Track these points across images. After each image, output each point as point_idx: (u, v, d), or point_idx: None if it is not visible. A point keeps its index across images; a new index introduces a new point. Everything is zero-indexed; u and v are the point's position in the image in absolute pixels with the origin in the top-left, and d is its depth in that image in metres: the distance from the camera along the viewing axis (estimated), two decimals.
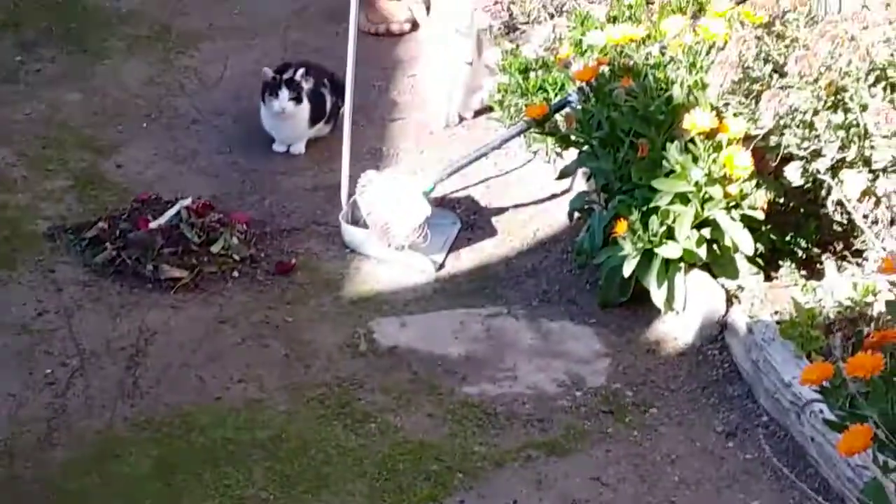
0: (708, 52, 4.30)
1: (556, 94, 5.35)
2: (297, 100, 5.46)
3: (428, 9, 6.27)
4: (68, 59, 6.30)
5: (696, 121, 4.10)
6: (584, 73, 4.55)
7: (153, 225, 4.78)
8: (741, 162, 4.08)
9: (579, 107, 4.68)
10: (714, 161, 4.11)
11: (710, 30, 4.28)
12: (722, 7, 4.36)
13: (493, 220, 5.22)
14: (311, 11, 6.94)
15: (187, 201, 4.91)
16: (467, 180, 5.38)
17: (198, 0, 7.02)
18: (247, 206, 5.21)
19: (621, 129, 4.40)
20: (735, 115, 4.14)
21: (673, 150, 4.21)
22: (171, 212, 4.86)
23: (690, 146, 4.19)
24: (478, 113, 5.97)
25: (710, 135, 4.11)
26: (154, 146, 5.62)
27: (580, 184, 5.10)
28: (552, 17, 6.43)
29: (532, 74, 5.43)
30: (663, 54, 4.47)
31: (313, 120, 5.62)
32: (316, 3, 7.01)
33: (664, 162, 4.25)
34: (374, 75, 6.23)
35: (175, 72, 6.25)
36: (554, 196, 5.32)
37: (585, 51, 5.20)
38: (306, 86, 5.54)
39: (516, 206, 5.30)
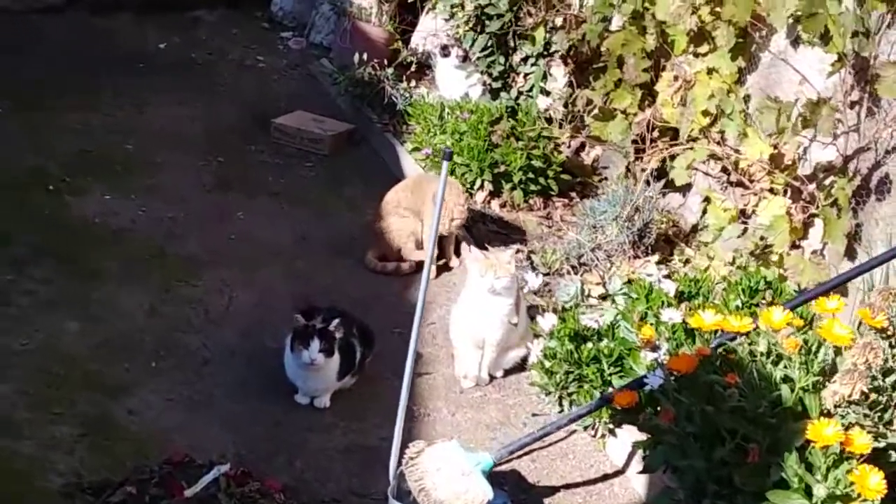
0: (816, 352, 3.98)
1: (608, 367, 5.02)
2: (329, 352, 5.06)
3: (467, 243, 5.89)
4: (62, 280, 5.85)
5: (821, 431, 3.76)
6: (682, 362, 4.21)
7: (189, 493, 4.29)
8: (873, 483, 3.73)
9: (654, 389, 4.31)
10: (838, 479, 3.75)
11: (832, 331, 3.95)
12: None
13: (546, 502, 4.75)
14: (312, 242, 6.59)
15: (225, 467, 4.45)
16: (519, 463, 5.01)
17: (190, 222, 6.60)
18: (277, 469, 4.76)
19: (724, 428, 4.02)
20: (859, 427, 3.80)
21: (792, 461, 3.86)
22: (208, 478, 4.39)
23: (808, 456, 3.84)
24: (507, 372, 5.55)
25: (831, 447, 3.76)
26: (166, 389, 5.15)
27: (636, 464, 4.81)
28: (575, 270, 6.13)
29: (589, 344, 5.05)
30: (771, 351, 4.12)
31: (342, 373, 5.17)
32: (314, 234, 6.69)
33: (777, 471, 3.87)
34: (393, 320, 5.86)
35: (178, 302, 5.81)
36: (606, 477, 4.95)
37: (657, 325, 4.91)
38: (338, 336, 5.04)
39: (567, 487, 4.90)
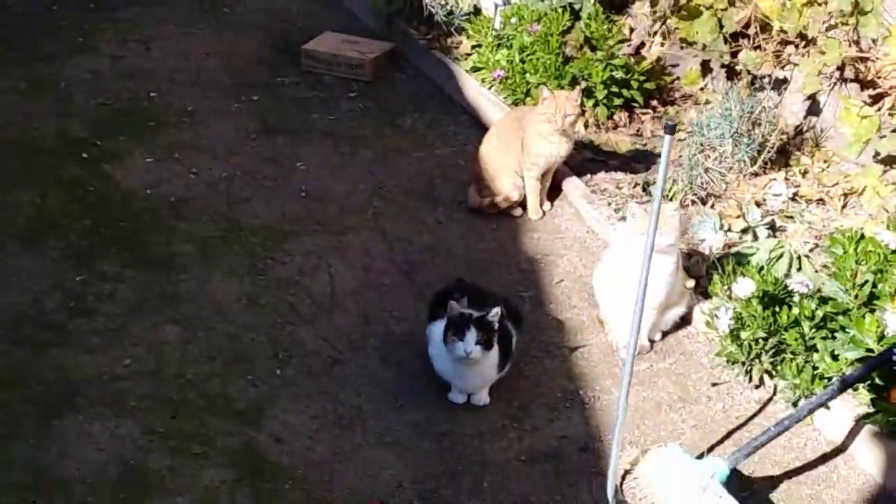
0: None
1: (811, 330, 4.32)
2: (487, 344, 4.30)
3: None
4: (137, 274, 5.03)
5: None
6: None
7: None
8: None
9: None
10: None
11: None
12: None
13: (773, 499, 4.11)
14: (391, 191, 5.77)
15: None
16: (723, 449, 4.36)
17: (250, 180, 5.76)
18: (466, 494, 3.99)
19: None
20: None
21: None
22: None
23: None
24: (665, 334, 4.84)
25: None
26: (305, 404, 4.42)
27: (861, 441, 4.24)
28: (702, 201, 5.44)
29: (794, 309, 4.37)
30: None
31: (501, 365, 4.44)
32: (389, 180, 5.91)
33: None
34: (514, 279, 5.24)
35: (275, 287, 5.03)
36: (826, 458, 4.38)
37: None
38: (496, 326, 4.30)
39: (788, 476, 4.33)
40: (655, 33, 6.70)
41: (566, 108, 5.34)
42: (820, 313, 4.37)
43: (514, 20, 6.62)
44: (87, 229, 5.28)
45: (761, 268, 4.66)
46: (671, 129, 3.57)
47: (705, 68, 6.55)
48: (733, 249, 5.08)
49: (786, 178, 5.81)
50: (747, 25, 6.17)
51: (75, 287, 4.92)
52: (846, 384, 3.98)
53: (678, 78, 6.71)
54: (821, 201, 5.66)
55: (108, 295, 4.88)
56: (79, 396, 4.33)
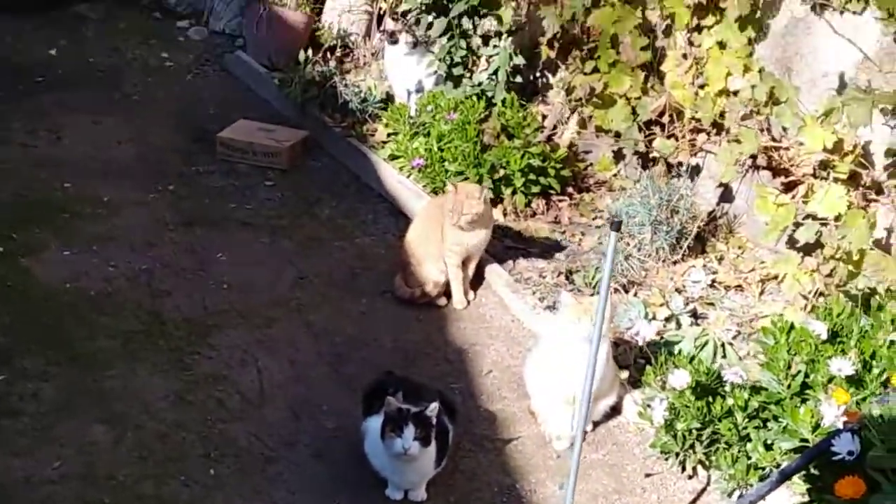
0: None
1: (743, 421, 4.39)
2: (426, 440, 4.28)
3: None
4: (61, 371, 4.95)
5: None
6: None
7: None
8: None
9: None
10: None
11: None
12: None
13: None
14: (313, 282, 5.75)
15: None
16: None
17: (170, 272, 5.73)
18: None
19: None
20: None
21: None
22: None
23: None
24: (595, 424, 4.89)
25: None
26: None
27: None
28: (625, 288, 5.53)
29: (727, 400, 4.45)
30: None
31: (439, 460, 4.44)
32: (310, 270, 5.90)
33: None
34: (443, 370, 5.28)
35: (203, 383, 5.00)
36: None
37: None
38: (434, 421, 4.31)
39: None
40: (569, 120, 6.76)
41: (463, 206, 5.38)
42: (754, 403, 4.42)
43: (429, 108, 6.64)
44: (7, 326, 5.16)
45: (692, 357, 4.69)
46: (617, 227, 3.62)
47: (618, 155, 6.65)
48: (659, 338, 5.10)
49: (704, 265, 5.87)
50: (661, 114, 6.26)
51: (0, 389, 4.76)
52: (785, 475, 4.02)
53: (591, 164, 6.80)
54: (739, 287, 5.74)
55: (33, 394, 4.79)
56: (8, 502, 4.18)
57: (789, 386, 4.38)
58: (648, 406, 4.62)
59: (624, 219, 5.85)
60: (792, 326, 4.51)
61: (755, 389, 4.50)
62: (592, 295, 5.40)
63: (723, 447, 4.48)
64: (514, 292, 5.62)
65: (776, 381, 4.39)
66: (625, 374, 4.87)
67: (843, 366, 4.23)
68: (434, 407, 4.35)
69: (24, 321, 5.23)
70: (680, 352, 4.85)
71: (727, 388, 4.49)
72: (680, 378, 4.47)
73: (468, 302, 5.65)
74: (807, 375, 4.38)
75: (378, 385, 4.63)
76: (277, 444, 4.69)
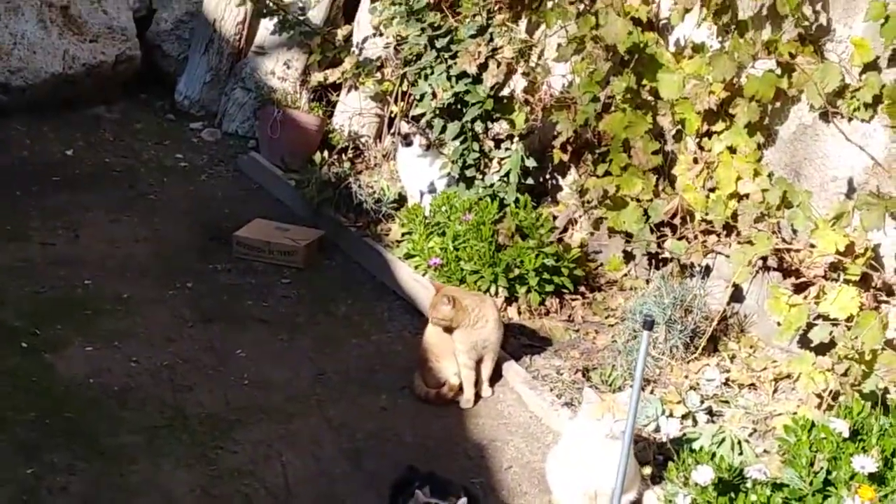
0: None
1: None
2: None
3: None
4: (87, 466, 5.00)
5: None
6: None
7: None
8: None
9: None
10: None
11: None
12: None
13: None
14: (332, 379, 5.82)
15: None
16: None
17: (191, 368, 5.78)
18: None
19: None
20: None
21: None
22: None
23: None
24: None
25: None
26: None
27: None
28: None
29: (752, 497, 4.51)
30: None
31: None
32: (329, 367, 5.95)
33: None
34: (463, 466, 5.36)
35: (228, 478, 5.04)
36: None
37: None
38: None
39: None
40: (579, 221, 6.91)
41: (435, 311, 5.64)
42: (777, 500, 4.48)
43: (444, 208, 6.77)
44: (33, 420, 5.21)
45: (713, 454, 4.77)
46: (650, 325, 3.71)
47: (628, 255, 6.78)
48: (677, 435, 5.18)
49: (717, 364, 5.97)
50: (673, 216, 6.39)
51: (27, 480, 4.84)
52: None
53: (601, 264, 6.92)
54: (752, 386, 5.83)
55: (62, 488, 4.84)
56: None
57: (811, 483, 4.43)
58: (671, 502, 4.66)
59: (638, 317, 5.93)
60: (813, 424, 4.58)
61: (777, 486, 4.55)
62: (612, 392, 5.47)
63: None
64: (531, 389, 5.70)
65: (798, 477, 4.44)
66: (647, 471, 4.91)
67: (865, 463, 4.29)
68: (463, 502, 4.40)
69: (49, 416, 5.27)
70: (701, 448, 4.90)
71: (748, 485, 4.53)
72: (704, 474, 4.53)
73: (474, 403, 5.73)
74: (829, 472, 4.44)
75: (404, 480, 4.68)
76: None
